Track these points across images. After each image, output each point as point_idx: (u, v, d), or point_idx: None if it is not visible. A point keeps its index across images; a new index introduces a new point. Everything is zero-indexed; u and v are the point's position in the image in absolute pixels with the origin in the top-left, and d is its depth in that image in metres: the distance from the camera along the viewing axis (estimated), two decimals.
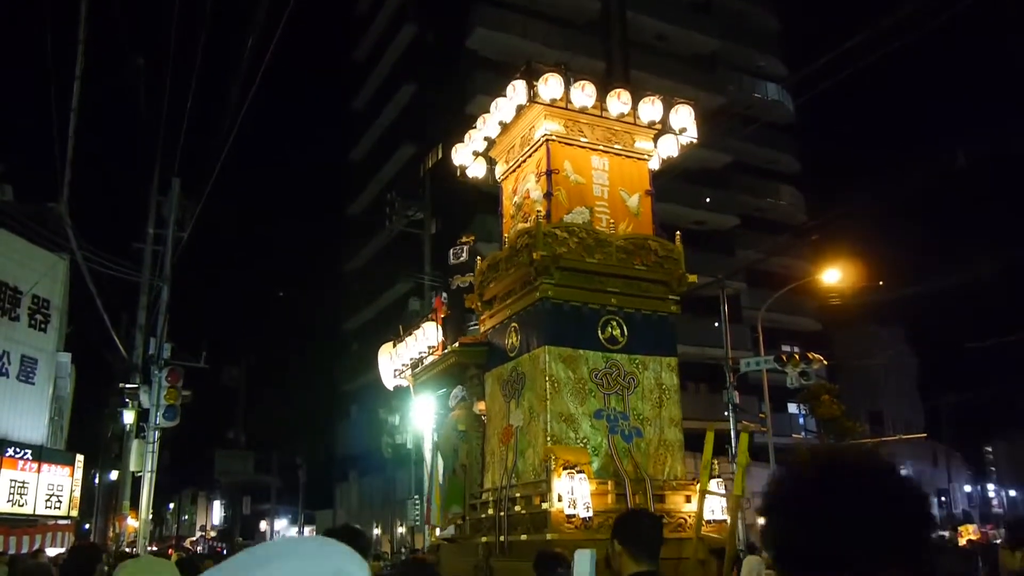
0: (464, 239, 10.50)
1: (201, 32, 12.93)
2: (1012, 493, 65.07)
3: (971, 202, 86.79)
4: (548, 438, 7.69)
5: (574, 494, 7.26)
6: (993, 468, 67.84)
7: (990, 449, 68.08)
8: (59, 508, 15.84)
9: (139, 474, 15.27)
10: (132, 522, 17.06)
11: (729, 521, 7.17)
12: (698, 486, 8.08)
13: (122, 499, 16.44)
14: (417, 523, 20.28)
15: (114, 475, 20.80)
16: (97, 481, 24.02)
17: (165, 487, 43.21)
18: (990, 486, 65.05)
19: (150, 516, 16.41)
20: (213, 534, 41.89)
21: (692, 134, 8.96)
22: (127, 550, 14.87)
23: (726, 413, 22.14)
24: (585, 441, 7.82)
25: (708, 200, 37.51)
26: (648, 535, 3.26)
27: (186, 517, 52.63)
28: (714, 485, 8.06)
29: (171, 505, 52.15)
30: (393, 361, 11.21)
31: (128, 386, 15.80)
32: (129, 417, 15.72)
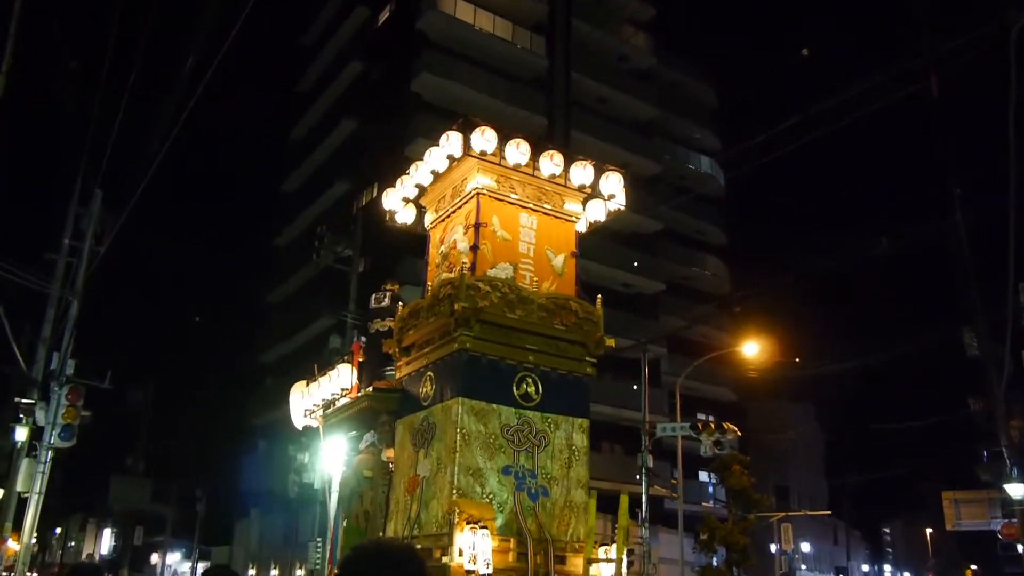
0: (389, 286, 10.44)
1: (140, 40, 12.62)
2: (907, 575, 66.71)
3: (887, 286, 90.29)
4: (454, 491, 7.62)
5: (475, 549, 7.19)
6: (890, 549, 69.58)
7: (887, 530, 69.89)
8: None
9: (26, 495, 14.49)
10: (13, 545, 16.16)
11: None
12: (607, 549, 8.09)
13: (4, 520, 15.56)
14: (318, 567, 19.72)
15: None
16: None
17: (53, 511, 41.13)
18: (887, 567, 66.59)
19: (33, 541, 15.57)
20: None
21: (620, 201, 9.15)
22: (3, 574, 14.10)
23: (639, 476, 22.27)
24: (491, 497, 7.76)
25: (636, 264, 38.15)
26: None
27: (72, 544, 50.12)
28: (602, 552, 8.09)
29: (58, 530, 49.69)
30: (304, 400, 10.99)
31: (24, 401, 15.07)
32: (22, 434, 14.92)
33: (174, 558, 43.22)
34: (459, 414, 7.78)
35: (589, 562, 7.26)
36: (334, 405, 10.08)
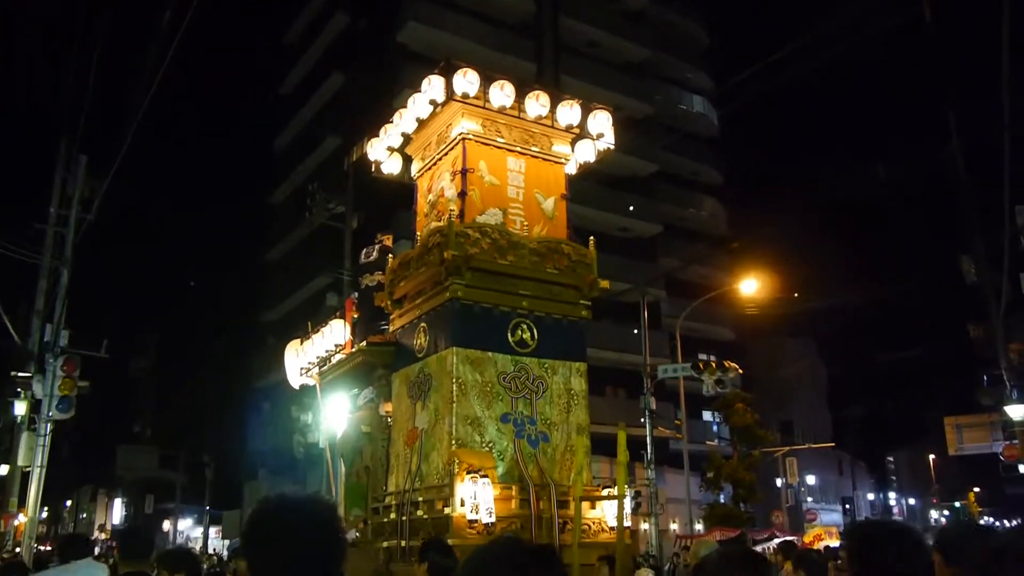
0: (381, 237, 10.29)
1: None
2: (911, 501, 67.65)
3: (885, 217, 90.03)
4: (453, 441, 7.54)
5: (477, 499, 7.13)
6: (894, 477, 70.43)
7: (891, 459, 70.66)
8: None
9: (28, 469, 14.48)
10: (24, 519, 16.23)
11: (617, 525, 7.08)
12: (612, 491, 8.03)
13: (9, 496, 15.60)
14: None
15: (3, 469, 19.76)
16: None
17: (63, 484, 41.37)
18: (891, 494, 67.47)
19: (40, 515, 15.59)
20: (103, 536, 40.17)
21: (609, 140, 8.92)
22: (15, 551, 14.10)
23: (643, 419, 22.34)
24: (491, 445, 7.69)
25: (632, 208, 37.85)
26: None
27: (84, 516, 50.48)
28: (606, 492, 8.03)
29: (68, 503, 49.97)
30: (299, 358, 10.89)
31: (21, 375, 14.99)
32: (20, 408, 14.87)
33: (186, 524, 43.57)
34: (454, 364, 7.68)
35: (581, 500, 7.18)
36: (329, 362, 9.97)
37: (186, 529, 43.65)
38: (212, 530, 40.89)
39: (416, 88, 8.88)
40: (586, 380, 8.37)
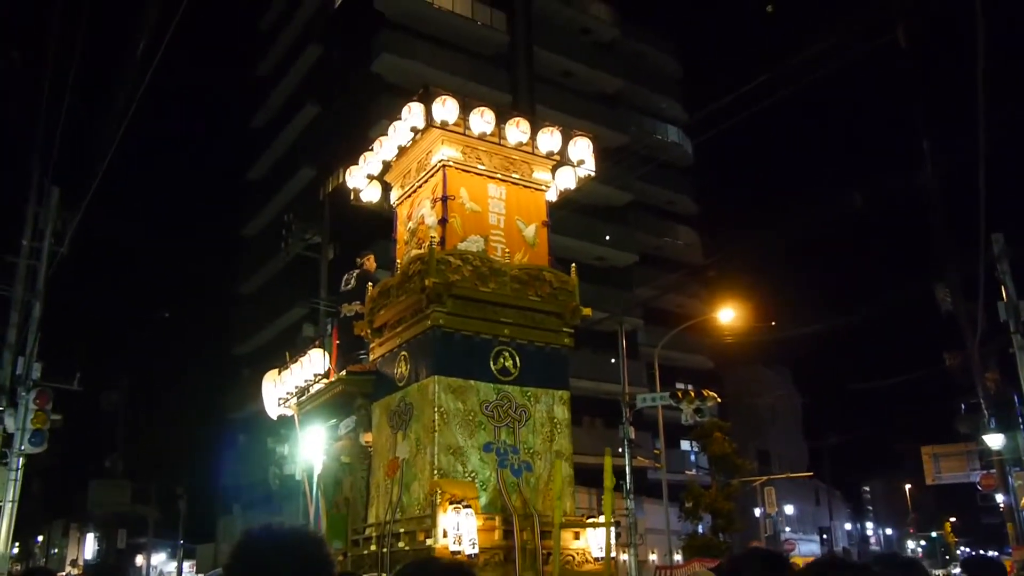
0: (361, 260, 10.22)
1: (84, 20, 12.16)
2: (888, 531, 67.79)
3: (860, 246, 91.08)
4: (435, 471, 7.44)
5: (460, 530, 7.03)
6: (870, 507, 70.60)
7: (867, 488, 70.86)
8: None
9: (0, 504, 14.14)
10: None
11: (605, 555, 6.99)
12: (596, 521, 7.95)
13: None
14: None
15: None
16: None
17: (35, 519, 40.50)
18: (868, 524, 67.58)
19: (12, 551, 15.20)
20: (74, 571, 39.30)
21: (590, 166, 8.95)
22: None
23: (621, 449, 22.24)
24: (473, 475, 7.60)
25: (608, 237, 38.02)
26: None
27: (55, 551, 49.42)
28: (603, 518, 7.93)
29: (40, 538, 48.98)
30: (277, 389, 10.74)
31: None
32: None
33: (159, 558, 42.73)
34: (436, 392, 7.59)
35: (561, 527, 7.10)
36: (308, 392, 9.84)
37: (159, 563, 42.83)
38: (186, 564, 40.12)
39: (392, 118, 8.87)
40: (569, 408, 8.31)
